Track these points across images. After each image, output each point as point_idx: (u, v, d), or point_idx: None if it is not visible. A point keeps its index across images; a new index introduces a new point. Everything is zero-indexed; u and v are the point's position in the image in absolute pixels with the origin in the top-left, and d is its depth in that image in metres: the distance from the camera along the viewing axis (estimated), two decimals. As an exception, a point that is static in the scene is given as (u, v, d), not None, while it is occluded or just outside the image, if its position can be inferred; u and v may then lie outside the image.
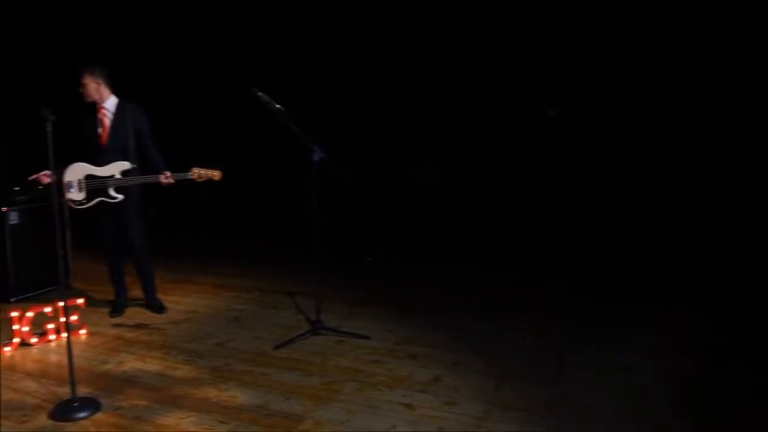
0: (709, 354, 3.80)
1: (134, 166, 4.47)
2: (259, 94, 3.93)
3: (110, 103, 4.54)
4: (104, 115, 4.51)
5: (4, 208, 5.02)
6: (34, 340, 4.12)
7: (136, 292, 4.92)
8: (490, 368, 3.66)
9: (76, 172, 4.43)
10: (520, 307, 4.84)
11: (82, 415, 3.13)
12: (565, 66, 5.96)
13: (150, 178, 4.44)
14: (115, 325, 4.51)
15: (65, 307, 3.66)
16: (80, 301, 4.39)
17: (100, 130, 4.50)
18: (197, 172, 4.37)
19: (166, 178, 4.42)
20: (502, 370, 3.63)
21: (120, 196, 4.47)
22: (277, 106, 3.94)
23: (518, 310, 4.74)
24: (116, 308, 4.78)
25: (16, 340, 4.09)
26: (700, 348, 3.91)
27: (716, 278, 5.07)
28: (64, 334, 4.18)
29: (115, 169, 4.43)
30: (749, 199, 5.44)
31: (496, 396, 3.32)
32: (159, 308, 4.79)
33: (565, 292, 5.18)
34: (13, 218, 5.07)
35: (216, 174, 4.40)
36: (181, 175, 4.39)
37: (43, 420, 3.11)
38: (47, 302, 4.30)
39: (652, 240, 5.72)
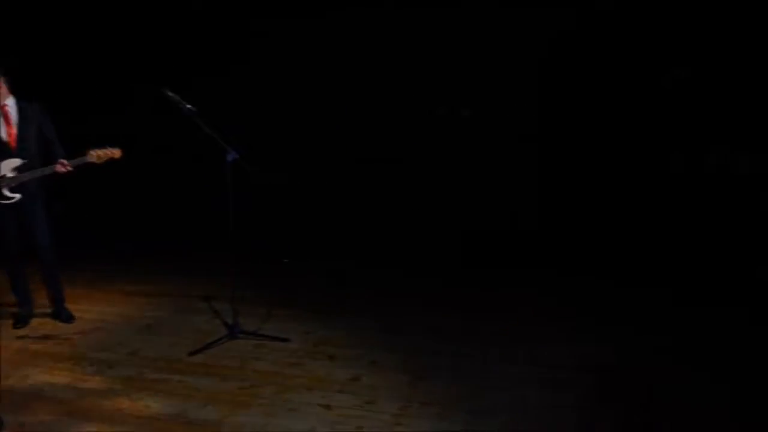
0: (613, 342, 4.00)
1: (25, 162, 4.25)
2: (170, 94, 3.84)
3: (11, 101, 4.32)
4: (8, 114, 4.29)
5: None
6: (-72, 356, 3.89)
7: (43, 300, 4.70)
8: (407, 365, 3.71)
9: (-34, 175, 4.19)
10: (435, 304, 4.92)
11: (-18, 434, 2.98)
12: (455, 61, 6.08)
13: (46, 170, 4.23)
14: (19, 338, 4.29)
15: (-38, 321, 3.47)
16: (-21, 313, 4.16)
17: (5, 129, 4.27)
18: (95, 154, 4.18)
19: (63, 166, 4.22)
20: (418, 367, 3.69)
21: (16, 196, 4.25)
22: (188, 106, 3.86)
23: (433, 308, 4.81)
24: (20, 319, 4.55)
25: None
26: (611, 337, 4.10)
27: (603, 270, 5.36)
28: (-38, 349, 3.95)
29: (6, 167, 4.21)
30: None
31: (412, 392, 3.38)
32: (67, 318, 4.59)
33: (479, 289, 5.30)
34: None
35: (116, 152, 4.24)
36: (79, 161, 4.21)
37: (-61, 442, 2.95)
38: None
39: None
